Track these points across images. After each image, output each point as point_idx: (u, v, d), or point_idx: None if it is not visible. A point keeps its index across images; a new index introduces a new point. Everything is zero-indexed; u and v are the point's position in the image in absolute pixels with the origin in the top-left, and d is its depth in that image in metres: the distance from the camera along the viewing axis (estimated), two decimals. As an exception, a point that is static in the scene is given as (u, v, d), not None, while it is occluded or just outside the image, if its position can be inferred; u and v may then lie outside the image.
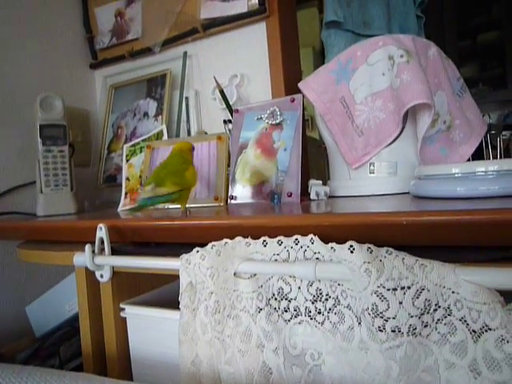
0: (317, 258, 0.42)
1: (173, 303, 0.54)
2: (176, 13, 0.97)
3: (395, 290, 0.36)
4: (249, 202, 0.74)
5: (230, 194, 0.77)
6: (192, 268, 0.46)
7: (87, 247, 0.56)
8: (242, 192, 0.76)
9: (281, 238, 0.45)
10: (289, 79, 0.89)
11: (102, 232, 0.58)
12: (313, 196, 0.74)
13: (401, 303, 0.35)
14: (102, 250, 0.58)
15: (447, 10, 2.22)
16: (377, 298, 0.36)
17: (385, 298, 0.36)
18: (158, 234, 0.58)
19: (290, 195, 0.70)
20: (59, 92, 1.05)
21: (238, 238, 0.47)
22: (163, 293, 0.66)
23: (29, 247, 0.71)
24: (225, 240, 0.47)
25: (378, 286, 0.36)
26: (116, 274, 0.59)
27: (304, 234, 0.43)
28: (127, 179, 0.92)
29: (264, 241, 0.45)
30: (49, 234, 0.70)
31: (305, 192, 0.73)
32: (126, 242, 0.63)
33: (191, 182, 0.65)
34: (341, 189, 0.79)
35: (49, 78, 1.06)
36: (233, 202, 0.76)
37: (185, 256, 0.47)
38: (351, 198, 0.73)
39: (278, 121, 0.75)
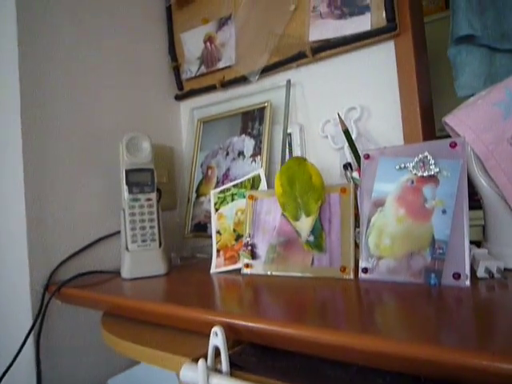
0: None
1: None
2: (278, 35, 0.83)
3: None
4: (390, 281, 0.56)
5: (360, 266, 0.59)
6: None
7: (201, 364, 0.41)
8: (378, 264, 0.58)
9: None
10: (425, 112, 0.71)
11: (217, 339, 0.42)
12: (481, 274, 0.54)
13: None
14: (217, 356, 0.43)
15: None
16: None
17: None
18: (293, 345, 0.42)
19: (457, 277, 0.51)
20: (142, 128, 0.95)
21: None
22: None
23: (114, 329, 0.58)
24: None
25: None
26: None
27: None
28: (218, 233, 0.77)
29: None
30: (139, 315, 0.57)
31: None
32: (242, 341, 0.48)
33: (322, 184, 0.65)
34: (510, 259, 0.58)
35: (131, 114, 0.95)
36: (365, 276, 0.58)
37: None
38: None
39: (431, 172, 0.56)
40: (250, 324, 0.44)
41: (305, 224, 0.64)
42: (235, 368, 0.43)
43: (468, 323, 0.38)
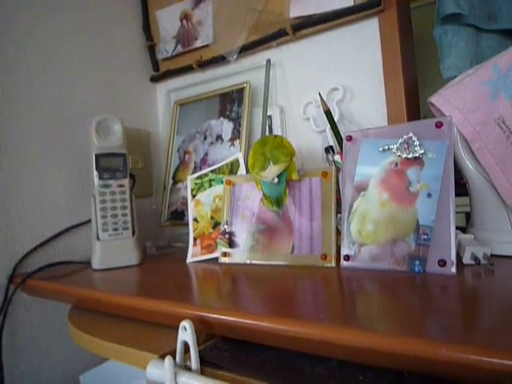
0: None
1: None
2: (257, 11, 0.78)
3: None
4: (373, 268, 0.53)
5: (342, 253, 0.56)
6: None
7: (167, 361, 0.38)
8: (360, 251, 0.55)
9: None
10: (410, 93, 0.68)
11: (186, 334, 0.39)
12: (467, 260, 0.52)
13: None
14: (187, 352, 0.40)
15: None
16: None
17: None
18: (268, 339, 0.39)
19: (442, 263, 0.48)
20: (115, 111, 0.89)
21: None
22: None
23: (82, 324, 0.54)
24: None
25: None
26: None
27: None
28: (195, 220, 0.74)
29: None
30: (108, 308, 0.53)
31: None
32: (215, 335, 0.45)
33: (293, 150, 0.62)
34: (498, 245, 0.56)
35: (103, 95, 0.90)
36: (347, 263, 0.56)
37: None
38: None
39: (416, 154, 0.53)
40: (223, 317, 0.40)
41: (271, 170, 0.60)
42: (206, 364, 0.39)
43: (453, 313, 0.36)
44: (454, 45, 0.87)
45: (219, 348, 0.42)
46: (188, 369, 0.39)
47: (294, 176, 0.62)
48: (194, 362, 0.39)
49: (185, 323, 0.39)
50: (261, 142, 0.64)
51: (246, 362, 0.39)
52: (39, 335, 0.74)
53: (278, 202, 0.63)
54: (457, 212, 0.54)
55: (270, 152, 0.61)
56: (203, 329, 0.42)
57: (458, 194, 0.52)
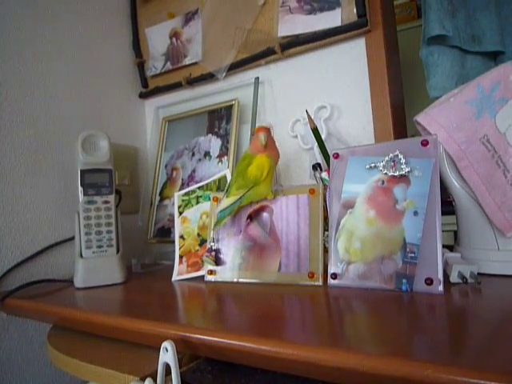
0: None
1: None
2: (246, 30, 0.79)
3: None
4: (360, 287, 0.52)
5: (329, 271, 0.56)
6: None
7: (147, 384, 0.36)
8: (347, 269, 0.54)
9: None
10: (396, 112, 0.68)
11: (167, 355, 0.38)
12: (454, 279, 0.52)
13: None
14: (168, 374, 0.38)
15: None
16: None
17: None
18: (252, 361, 0.37)
19: (429, 282, 0.48)
20: (102, 126, 0.89)
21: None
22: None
23: (61, 345, 0.53)
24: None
25: None
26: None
27: None
28: (181, 237, 0.73)
29: None
30: (89, 328, 0.52)
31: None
32: (198, 356, 0.43)
33: (256, 175, 0.61)
34: (485, 263, 0.56)
35: (91, 110, 0.89)
36: (334, 282, 0.55)
37: None
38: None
39: (402, 172, 0.53)
40: (206, 337, 0.39)
41: (223, 202, 0.62)
42: (189, 388, 0.38)
43: (440, 333, 0.35)
44: (439, 65, 0.89)
45: (202, 370, 0.41)
46: (169, 392, 0.38)
47: (269, 196, 0.62)
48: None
49: (166, 344, 0.38)
50: (240, 161, 0.65)
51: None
52: (17, 358, 0.71)
53: (218, 222, 0.63)
54: (444, 230, 0.54)
55: (232, 182, 0.63)
56: (186, 349, 0.41)
57: (445, 213, 0.52)
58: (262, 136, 0.62)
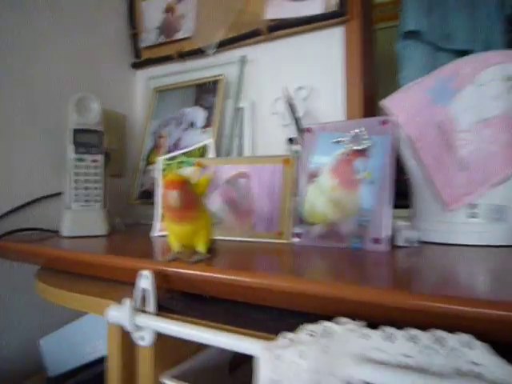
0: (478, 375, 0.28)
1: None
2: (237, 11, 0.84)
3: None
4: (319, 245, 0.60)
5: (293, 231, 0.63)
6: (283, 368, 0.32)
7: (127, 303, 0.43)
8: (310, 230, 0.62)
9: (413, 330, 0.30)
10: (367, 95, 0.75)
11: (146, 282, 0.44)
12: (401, 242, 0.59)
13: None
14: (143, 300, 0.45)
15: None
16: None
17: None
18: (222, 291, 0.44)
19: (376, 241, 0.56)
20: (94, 91, 0.93)
21: (347, 322, 0.33)
22: (213, 357, 0.52)
23: (49, 281, 0.58)
24: (324, 324, 0.33)
25: None
26: (161, 336, 0.46)
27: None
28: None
29: (391, 334, 0.31)
30: (75, 266, 0.58)
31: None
32: (173, 289, 0.50)
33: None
34: (430, 233, 0.64)
35: (84, 77, 0.94)
36: (297, 240, 0.62)
37: (272, 347, 0.33)
38: (449, 248, 0.58)
39: (363, 146, 0.60)
40: (182, 270, 0.45)
41: None
42: (162, 309, 0.44)
43: (387, 275, 0.42)
44: (412, 58, 0.96)
45: (176, 299, 0.47)
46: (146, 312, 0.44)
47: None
48: (151, 306, 0.44)
49: (145, 272, 0.44)
50: None
51: (199, 309, 0.45)
52: (1, 301, 0.76)
53: None
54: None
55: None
56: (162, 283, 0.47)
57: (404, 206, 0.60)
58: (174, 194, 0.43)
